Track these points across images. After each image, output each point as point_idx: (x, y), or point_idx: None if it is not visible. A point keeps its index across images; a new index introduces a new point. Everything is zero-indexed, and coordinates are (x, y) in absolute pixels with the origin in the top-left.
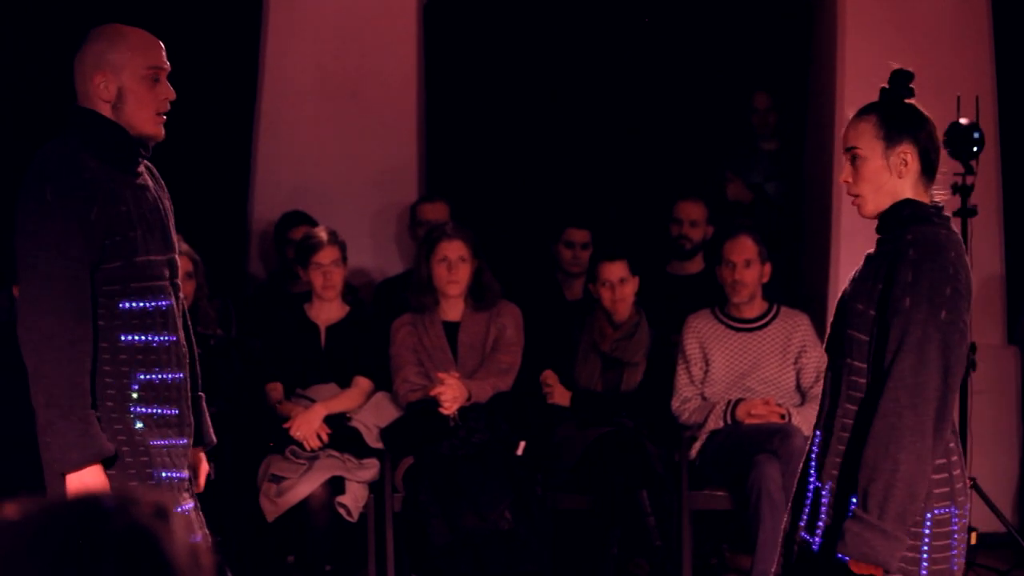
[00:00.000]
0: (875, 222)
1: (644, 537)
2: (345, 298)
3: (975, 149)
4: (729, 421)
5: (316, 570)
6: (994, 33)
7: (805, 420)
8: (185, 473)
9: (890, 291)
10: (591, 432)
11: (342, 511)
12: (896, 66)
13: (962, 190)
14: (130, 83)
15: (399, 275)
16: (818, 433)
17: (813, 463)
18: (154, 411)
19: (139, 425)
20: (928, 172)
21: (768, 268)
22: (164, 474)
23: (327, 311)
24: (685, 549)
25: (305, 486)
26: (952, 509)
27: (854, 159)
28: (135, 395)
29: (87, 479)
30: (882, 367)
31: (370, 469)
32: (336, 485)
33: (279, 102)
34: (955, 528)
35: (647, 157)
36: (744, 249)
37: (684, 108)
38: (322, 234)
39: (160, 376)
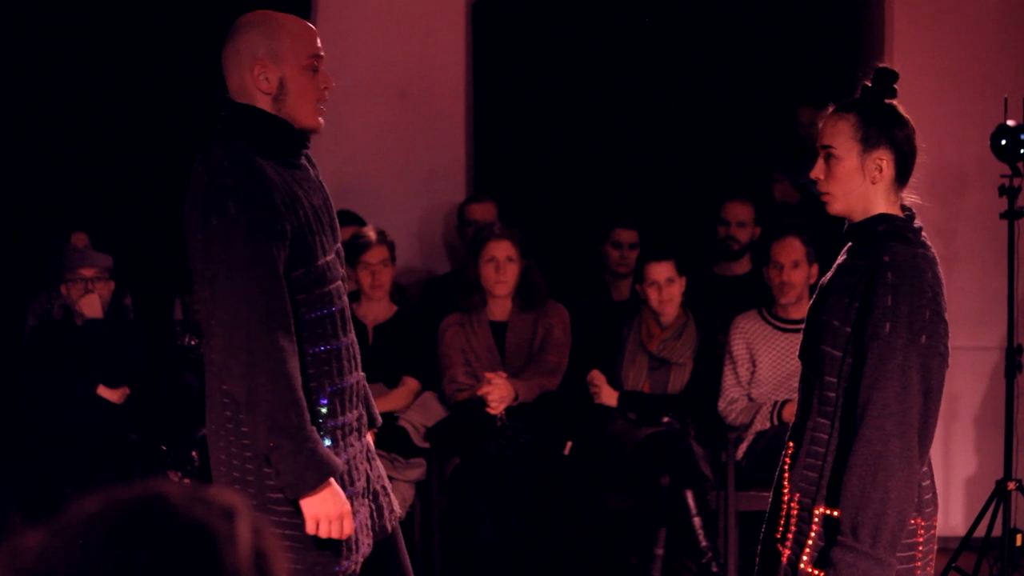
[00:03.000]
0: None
1: (690, 538)
2: (393, 298)
3: (1022, 151)
4: (776, 422)
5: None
6: None
7: None
8: (361, 482)
9: (868, 314)
10: (638, 432)
11: None
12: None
13: (1009, 192)
14: (292, 73)
15: (446, 275)
16: (790, 444)
17: (786, 474)
18: (341, 422)
19: (328, 443)
20: (902, 177)
21: (815, 269)
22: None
23: (375, 310)
24: (731, 550)
25: None
26: (918, 521)
27: (828, 157)
28: (324, 409)
29: (327, 499)
30: (856, 388)
31: (417, 469)
32: None
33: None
34: (920, 540)
35: (695, 158)
36: (792, 250)
37: (732, 109)
38: (370, 233)
39: (345, 383)
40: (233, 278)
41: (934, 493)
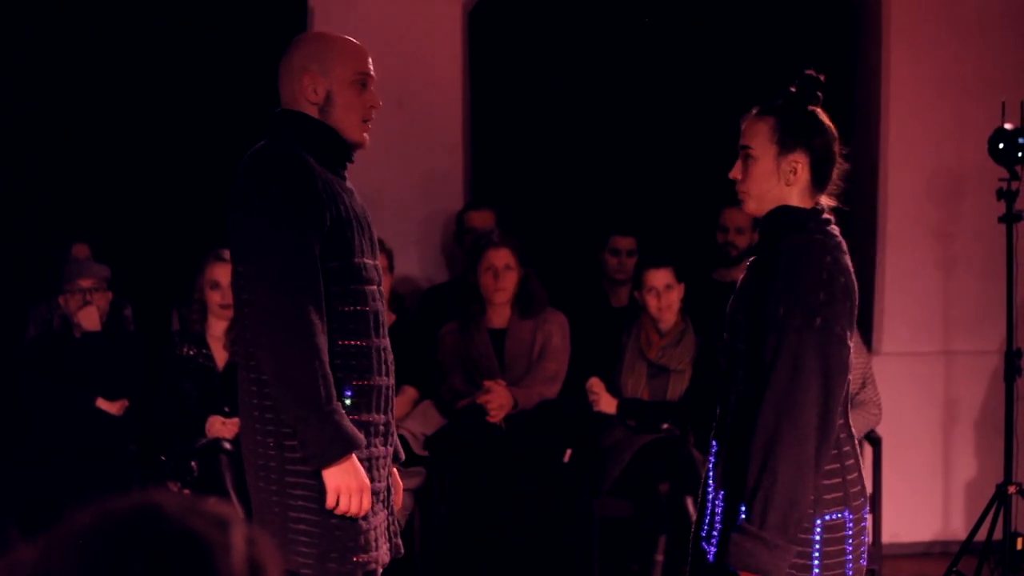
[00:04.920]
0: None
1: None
2: (391, 306)
3: (1020, 155)
4: None
5: None
6: None
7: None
8: (382, 484)
9: (764, 302)
10: (637, 439)
11: None
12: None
13: (1007, 195)
14: (338, 87)
15: (445, 283)
16: (714, 443)
17: (711, 472)
18: (367, 419)
19: None
20: (818, 182)
21: None
22: None
23: None
24: None
25: None
26: (846, 514)
27: (746, 158)
28: (348, 402)
29: (349, 471)
30: (758, 376)
31: (416, 477)
32: None
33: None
34: (849, 533)
35: (693, 163)
36: None
37: (731, 113)
38: None
39: (372, 382)
40: (271, 255)
41: (863, 485)
